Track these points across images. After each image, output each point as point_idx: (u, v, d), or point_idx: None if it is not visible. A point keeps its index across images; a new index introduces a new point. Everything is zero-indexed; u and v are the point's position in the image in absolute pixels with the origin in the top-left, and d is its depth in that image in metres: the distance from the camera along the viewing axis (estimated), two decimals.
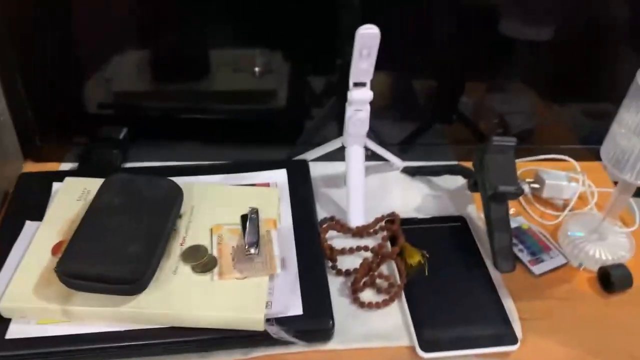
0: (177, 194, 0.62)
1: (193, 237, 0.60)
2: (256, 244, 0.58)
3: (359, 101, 0.66)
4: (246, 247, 0.58)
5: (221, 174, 0.71)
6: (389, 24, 0.62)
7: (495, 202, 0.65)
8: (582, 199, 0.76)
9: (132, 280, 0.52)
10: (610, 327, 0.61)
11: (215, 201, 0.65)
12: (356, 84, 0.66)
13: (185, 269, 0.57)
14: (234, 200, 0.65)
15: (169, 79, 0.78)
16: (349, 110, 0.67)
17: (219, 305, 0.54)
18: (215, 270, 0.57)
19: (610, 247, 0.67)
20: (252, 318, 0.53)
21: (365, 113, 0.67)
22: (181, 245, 0.59)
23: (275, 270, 0.57)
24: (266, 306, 0.55)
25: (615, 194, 0.64)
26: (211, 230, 0.61)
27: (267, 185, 0.70)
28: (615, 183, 0.64)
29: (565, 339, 0.59)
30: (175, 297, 0.54)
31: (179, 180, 0.65)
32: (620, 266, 0.64)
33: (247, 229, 0.60)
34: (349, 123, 0.67)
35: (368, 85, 0.66)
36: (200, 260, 0.58)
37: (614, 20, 0.76)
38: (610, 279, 0.63)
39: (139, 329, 0.54)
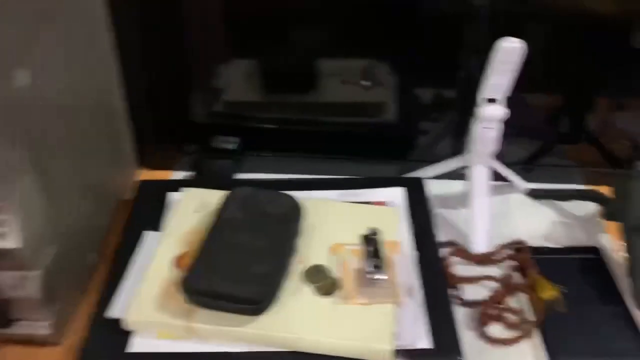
0: (298, 211, 0.59)
1: (312, 257, 0.58)
2: (381, 267, 0.55)
3: (490, 118, 0.61)
4: (370, 270, 0.55)
5: (335, 189, 0.68)
6: (517, 37, 0.57)
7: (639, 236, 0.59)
8: None
9: (258, 300, 0.50)
10: None
11: (333, 219, 0.62)
12: (488, 100, 0.61)
13: (307, 291, 0.55)
14: (352, 219, 0.62)
15: (279, 89, 0.77)
16: (477, 128, 0.63)
17: (343, 332, 0.51)
18: (339, 293, 0.54)
19: None
20: (380, 349, 0.50)
21: (495, 131, 0.62)
22: (300, 264, 0.57)
23: (400, 298, 0.54)
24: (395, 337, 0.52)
25: None
26: (331, 249, 0.59)
27: (383, 203, 0.66)
28: None
29: None
30: (298, 320, 0.52)
31: (294, 195, 0.63)
32: None
33: (370, 251, 0.57)
34: (477, 141, 0.63)
35: (501, 102, 0.61)
36: (323, 281, 0.55)
37: None
38: None
39: (258, 351, 0.52)
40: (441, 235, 0.67)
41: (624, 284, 0.60)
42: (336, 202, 0.65)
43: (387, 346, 0.50)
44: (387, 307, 0.53)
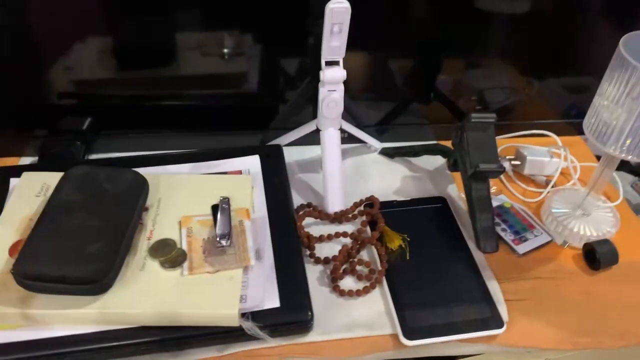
0: (142, 186, 0.58)
1: (161, 231, 0.57)
2: (228, 235, 0.55)
3: (332, 81, 0.63)
4: (217, 239, 0.55)
5: (190, 162, 0.68)
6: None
7: (476, 181, 0.63)
8: (565, 174, 0.74)
9: (94, 279, 0.49)
10: (598, 305, 0.59)
11: (184, 192, 0.61)
12: (328, 63, 0.62)
13: (154, 265, 0.54)
14: (204, 190, 0.62)
15: (134, 65, 0.74)
16: (322, 92, 0.64)
17: (192, 302, 0.51)
18: (185, 264, 0.54)
19: (594, 223, 0.65)
20: (226, 314, 0.51)
21: (339, 93, 0.64)
22: (148, 239, 0.56)
23: (249, 262, 0.54)
24: (241, 300, 0.52)
25: (599, 168, 0.62)
26: (180, 222, 0.58)
27: (240, 173, 0.67)
28: (598, 157, 0.63)
29: (552, 320, 0.57)
30: (144, 295, 0.51)
31: (146, 171, 0.61)
32: (605, 242, 0.62)
33: (218, 220, 0.57)
34: (322, 105, 0.64)
35: (341, 64, 0.62)
36: (169, 255, 0.54)
37: None
38: (596, 256, 0.61)
39: (106, 331, 0.51)
40: (300, 199, 0.69)
41: (468, 229, 0.65)
42: (187, 175, 0.65)
43: (232, 310, 0.50)
44: (234, 273, 0.54)
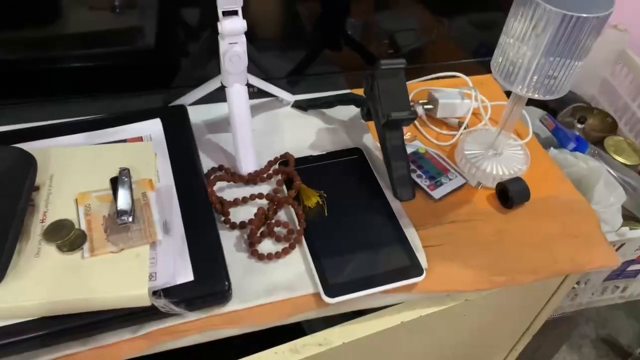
0: (27, 163, 0.52)
1: (55, 212, 0.52)
2: (130, 210, 0.51)
3: (232, 32, 0.58)
4: (118, 215, 0.51)
5: (84, 132, 0.62)
6: None
7: (389, 130, 0.62)
8: (477, 115, 0.74)
9: None
10: (512, 243, 0.60)
11: (79, 166, 0.56)
12: (226, 13, 0.57)
13: (50, 250, 0.49)
14: (102, 162, 0.56)
15: (11, 24, 0.66)
16: (223, 45, 0.59)
17: (96, 286, 0.47)
18: (86, 246, 0.50)
19: (506, 161, 0.66)
20: (135, 295, 0.47)
21: (241, 46, 0.59)
22: (42, 222, 0.51)
23: (156, 237, 0.51)
24: (150, 278, 0.49)
25: (508, 107, 0.62)
26: (76, 200, 0.53)
27: (140, 139, 0.62)
28: (508, 94, 0.63)
29: (469, 262, 0.58)
30: (41, 284, 0.47)
31: (33, 145, 0.56)
32: (516, 180, 0.63)
33: (119, 194, 0.52)
34: (224, 59, 0.60)
35: (240, 13, 0.58)
36: (67, 237, 0.50)
37: None
38: (508, 194, 0.62)
39: (3, 326, 0.46)
40: (211, 162, 0.65)
41: (385, 179, 0.64)
42: (82, 147, 0.59)
43: (141, 290, 0.47)
44: (141, 250, 0.50)
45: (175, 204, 0.55)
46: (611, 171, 0.80)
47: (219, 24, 0.58)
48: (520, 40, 0.54)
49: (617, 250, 0.75)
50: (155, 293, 0.48)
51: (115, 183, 0.54)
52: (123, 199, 0.52)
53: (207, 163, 0.64)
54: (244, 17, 0.58)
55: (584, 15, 0.50)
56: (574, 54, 0.53)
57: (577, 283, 0.86)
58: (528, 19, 0.53)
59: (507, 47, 0.56)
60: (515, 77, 0.56)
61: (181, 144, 0.62)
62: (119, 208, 0.51)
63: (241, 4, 0.57)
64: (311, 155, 0.66)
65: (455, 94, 0.72)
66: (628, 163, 0.93)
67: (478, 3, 0.80)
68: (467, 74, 0.77)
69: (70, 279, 0.48)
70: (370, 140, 0.70)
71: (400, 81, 0.62)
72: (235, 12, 0.58)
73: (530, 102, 0.90)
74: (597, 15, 0.50)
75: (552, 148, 0.77)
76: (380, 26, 0.79)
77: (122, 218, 0.50)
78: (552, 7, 0.50)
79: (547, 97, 0.56)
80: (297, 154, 0.66)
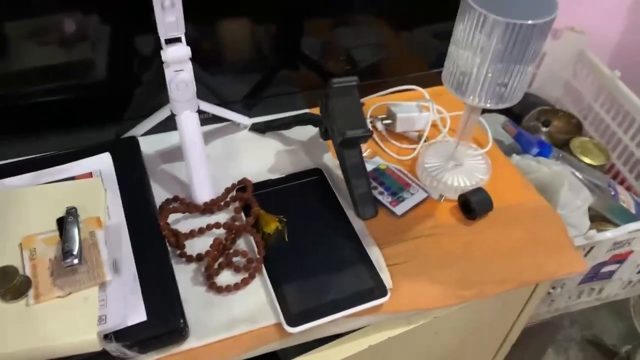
0: None
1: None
2: (76, 251, 0.49)
3: (176, 60, 0.57)
4: (64, 257, 0.49)
5: (31, 172, 0.59)
6: None
7: (347, 148, 0.61)
8: (437, 126, 0.74)
9: None
10: (478, 255, 0.59)
11: (24, 208, 0.54)
12: (169, 41, 0.56)
13: None
14: (48, 203, 0.54)
15: None
16: (169, 73, 0.58)
17: (43, 334, 0.45)
18: (31, 292, 0.47)
19: (467, 172, 0.65)
20: (84, 340, 0.45)
21: (187, 73, 0.58)
22: None
23: (104, 278, 0.49)
24: (100, 321, 0.47)
25: (464, 118, 0.61)
26: (21, 244, 0.51)
27: (90, 175, 0.59)
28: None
29: (435, 277, 0.57)
30: None
31: None
32: (478, 190, 0.62)
33: (64, 235, 0.50)
34: (170, 87, 0.58)
35: (183, 40, 0.57)
36: (10, 284, 0.47)
37: None
38: (471, 206, 0.61)
39: None
40: (166, 193, 0.63)
41: (346, 198, 0.62)
42: (27, 188, 0.57)
43: (90, 335, 0.45)
44: (89, 292, 0.48)
45: (126, 240, 0.53)
46: (577, 173, 0.79)
47: (162, 52, 0.56)
48: (467, 49, 0.54)
49: (587, 253, 0.75)
50: (106, 337, 0.46)
51: (62, 224, 0.52)
52: (69, 240, 0.50)
53: (162, 194, 0.62)
54: (195, 41, 0.57)
55: (529, 22, 0.49)
56: (522, 59, 0.52)
57: (553, 288, 0.85)
58: (473, 28, 0.52)
59: (456, 57, 0.56)
60: (466, 87, 0.55)
61: (132, 177, 0.60)
62: (64, 250, 0.49)
63: (184, 30, 0.56)
64: (270, 179, 0.64)
65: (413, 107, 0.72)
66: (595, 163, 0.94)
67: (433, 13, 0.80)
68: (427, 86, 0.77)
69: (16, 329, 0.45)
70: (331, 160, 0.69)
71: (354, 99, 0.61)
72: (178, 39, 0.57)
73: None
74: (541, 22, 0.49)
75: (514, 155, 0.76)
76: (336, 43, 0.79)
77: (68, 260, 0.48)
78: (495, 16, 0.49)
79: (500, 106, 0.55)
80: (256, 178, 0.64)
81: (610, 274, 0.84)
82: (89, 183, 0.58)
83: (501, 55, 0.52)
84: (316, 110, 0.71)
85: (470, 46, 0.53)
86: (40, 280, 0.48)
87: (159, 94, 0.71)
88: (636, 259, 0.82)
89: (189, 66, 0.58)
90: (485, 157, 0.68)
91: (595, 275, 0.83)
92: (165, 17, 0.53)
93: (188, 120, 0.61)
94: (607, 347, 1.27)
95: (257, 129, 0.71)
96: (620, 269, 0.83)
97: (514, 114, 1.02)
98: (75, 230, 0.51)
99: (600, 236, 0.71)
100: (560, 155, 0.83)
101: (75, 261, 0.48)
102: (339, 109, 0.61)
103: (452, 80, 0.57)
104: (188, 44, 0.57)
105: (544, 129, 0.97)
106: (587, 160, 0.93)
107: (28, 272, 0.49)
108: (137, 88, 0.71)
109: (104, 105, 0.70)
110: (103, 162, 0.61)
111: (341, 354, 0.53)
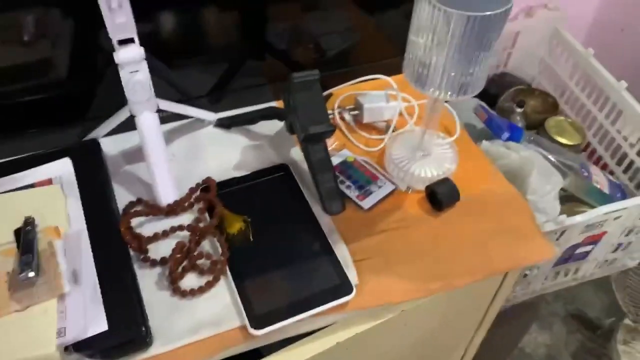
0: None
1: None
2: (33, 263, 0.48)
3: (129, 61, 0.55)
4: (21, 270, 0.48)
5: None
6: None
7: (311, 144, 0.60)
8: (405, 116, 0.72)
9: None
10: (446, 246, 0.59)
11: None
12: (122, 42, 0.55)
13: None
14: (6, 213, 0.54)
15: None
16: (124, 74, 0.56)
17: (2, 350, 0.45)
18: None
19: (435, 162, 0.64)
20: (43, 354, 0.45)
21: (142, 73, 0.57)
22: None
23: (62, 290, 0.48)
24: (59, 334, 0.46)
25: (429, 106, 0.60)
26: None
27: (50, 182, 0.58)
28: None
29: (402, 271, 0.57)
30: None
31: None
32: (445, 181, 0.62)
33: (21, 247, 0.49)
34: (127, 89, 0.57)
35: (136, 40, 0.55)
36: None
37: None
38: (437, 197, 0.61)
39: None
40: (130, 196, 0.62)
41: (313, 193, 0.62)
42: None
43: (49, 349, 0.45)
44: (48, 305, 0.47)
45: (86, 249, 0.53)
46: (549, 156, 0.79)
47: (114, 54, 0.55)
48: (425, 39, 0.52)
49: (559, 237, 0.75)
50: (67, 349, 0.46)
51: (19, 235, 0.51)
52: (25, 252, 0.49)
53: (126, 196, 0.61)
54: (154, 33, 0.55)
55: (487, 13, 0.48)
56: (480, 48, 0.51)
57: (530, 270, 0.85)
58: (429, 19, 0.51)
59: (414, 47, 0.54)
60: (426, 79, 0.54)
61: (94, 182, 0.59)
62: (21, 262, 0.48)
63: (135, 31, 0.54)
64: (235, 177, 0.64)
65: (381, 97, 0.71)
66: (570, 143, 0.93)
67: None
68: (398, 73, 0.75)
69: None
70: (299, 154, 0.67)
71: (316, 93, 0.60)
72: (131, 40, 0.55)
73: None
74: (497, 12, 0.48)
75: (484, 141, 0.76)
76: (303, 30, 0.77)
77: (23, 274, 0.48)
78: (449, 8, 0.48)
79: (461, 98, 0.54)
80: (222, 176, 0.63)
81: (585, 254, 0.84)
82: (48, 190, 0.57)
83: (459, 45, 0.50)
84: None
85: (427, 36, 0.52)
86: None
87: (121, 93, 0.70)
88: (610, 239, 0.82)
89: (144, 66, 0.57)
90: (454, 145, 0.67)
91: (570, 256, 0.83)
92: (115, 18, 0.52)
93: (147, 122, 0.60)
94: (591, 320, 1.28)
95: (223, 124, 0.70)
96: (595, 250, 0.84)
97: (490, 95, 1.01)
98: (33, 241, 0.50)
99: (571, 220, 0.71)
100: (532, 138, 0.82)
101: (32, 274, 0.47)
102: (301, 104, 0.59)
103: (412, 72, 0.55)
104: (146, 35, 0.55)
105: (519, 110, 0.97)
106: (562, 140, 0.93)
107: None
108: (98, 87, 0.70)
109: (65, 107, 0.69)
110: (63, 168, 0.60)
111: (308, 353, 0.53)
